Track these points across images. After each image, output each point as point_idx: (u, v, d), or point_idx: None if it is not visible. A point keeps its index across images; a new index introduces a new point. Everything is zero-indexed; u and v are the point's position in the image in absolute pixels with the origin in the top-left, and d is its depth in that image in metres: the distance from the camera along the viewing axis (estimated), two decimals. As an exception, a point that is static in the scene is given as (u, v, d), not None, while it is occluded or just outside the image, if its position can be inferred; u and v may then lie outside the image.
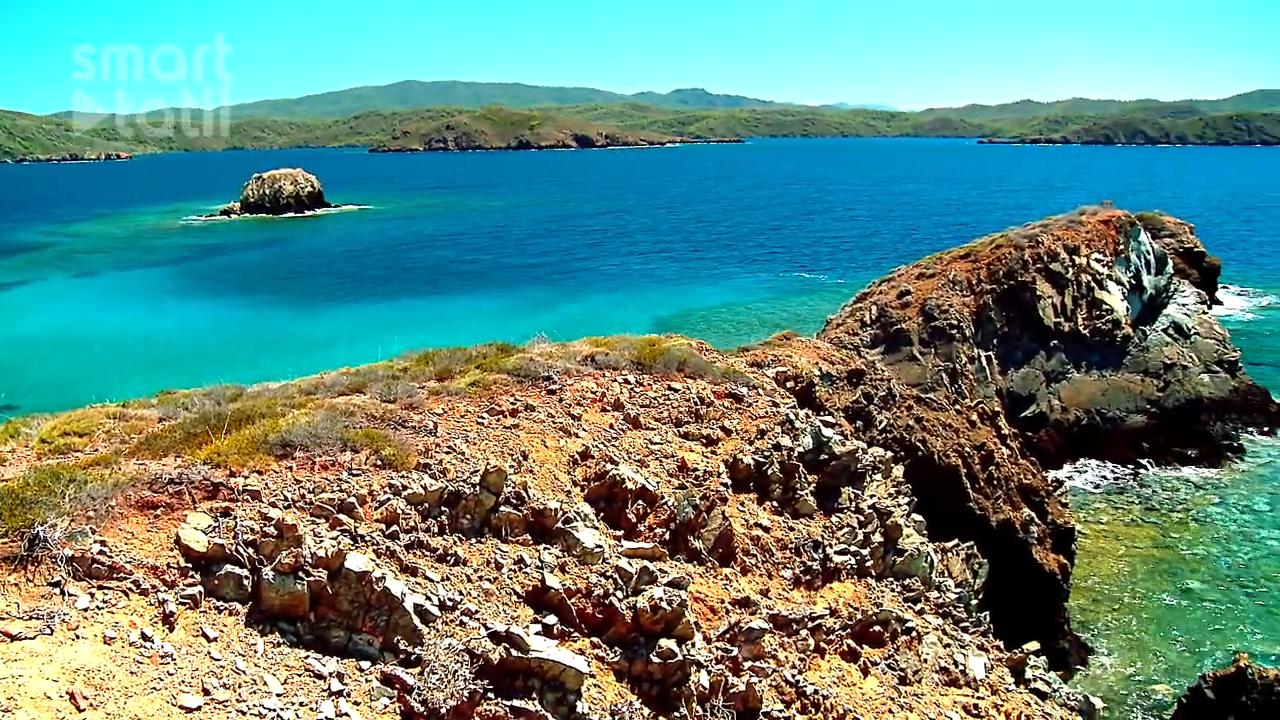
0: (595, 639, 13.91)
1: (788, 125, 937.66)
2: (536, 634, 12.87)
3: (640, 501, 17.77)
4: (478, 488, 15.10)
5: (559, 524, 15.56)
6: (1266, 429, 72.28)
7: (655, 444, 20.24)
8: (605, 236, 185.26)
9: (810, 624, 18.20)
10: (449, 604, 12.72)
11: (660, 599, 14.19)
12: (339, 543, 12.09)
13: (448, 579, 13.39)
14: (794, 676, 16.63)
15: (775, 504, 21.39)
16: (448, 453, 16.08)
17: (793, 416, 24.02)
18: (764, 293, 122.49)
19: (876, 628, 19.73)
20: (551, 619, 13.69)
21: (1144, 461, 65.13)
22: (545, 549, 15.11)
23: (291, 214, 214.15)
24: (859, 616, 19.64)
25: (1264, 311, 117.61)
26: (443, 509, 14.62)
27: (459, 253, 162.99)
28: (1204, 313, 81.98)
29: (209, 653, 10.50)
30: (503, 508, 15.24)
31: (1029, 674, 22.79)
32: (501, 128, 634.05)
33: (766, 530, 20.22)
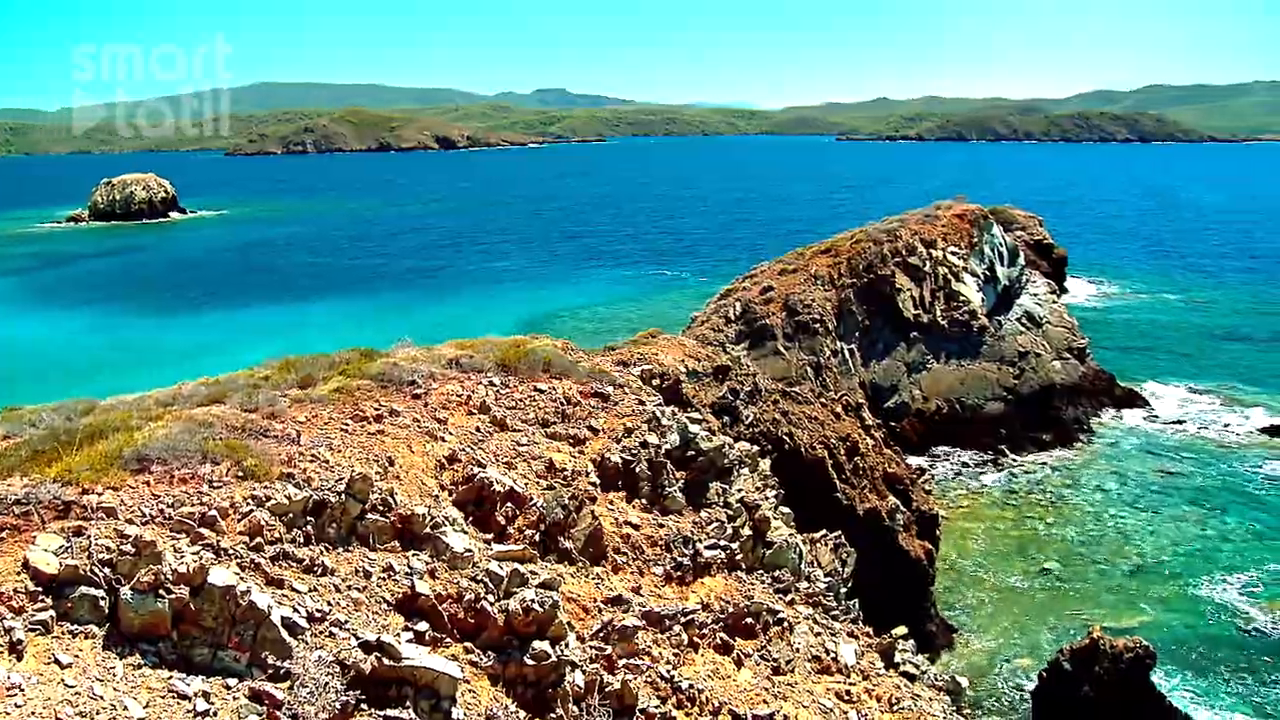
0: (468, 644, 13.81)
1: (649, 124, 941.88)
2: (408, 641, 12.74)
3: (509, 504, 17.71)
4: (344, 495, 14.88)
5: (427, 529, 15.42)
6: (1114, 412, 75.27)
7: (523, 445, 20.18)
8: (468, 238, 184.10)
9: (683, 619, 18.34)
10: (318, 615, 12.50)
11: (532, 601, 14.16)
12: (201, 558, 11.78)
13: (315, 590, 13.16)
14: (669, 672, 16.74)
15: (644, 501, 21.50)
16: (312, 461, 15.80)
17: (659, 414, 24.18)
18: (628, 291, 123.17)
19: (749, 620, 19.97)
20: (423, 626, 13.55)
21: (1002, 447, 67.20)
22: (414, 555, 14.96)
23: (144, 220, 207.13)
24: (731, 610, 19.86)
25: (1108, 299, 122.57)
26: (308, 519, 14.37)
27: (321, 257, 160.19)
28: (1054, 302, 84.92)
29: (63, 680, 10.08)
30: (370, 515, 15.05)
31: (898, 658, 23.31)
32: (362, 130, 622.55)
33: (636, 528, 20.33)
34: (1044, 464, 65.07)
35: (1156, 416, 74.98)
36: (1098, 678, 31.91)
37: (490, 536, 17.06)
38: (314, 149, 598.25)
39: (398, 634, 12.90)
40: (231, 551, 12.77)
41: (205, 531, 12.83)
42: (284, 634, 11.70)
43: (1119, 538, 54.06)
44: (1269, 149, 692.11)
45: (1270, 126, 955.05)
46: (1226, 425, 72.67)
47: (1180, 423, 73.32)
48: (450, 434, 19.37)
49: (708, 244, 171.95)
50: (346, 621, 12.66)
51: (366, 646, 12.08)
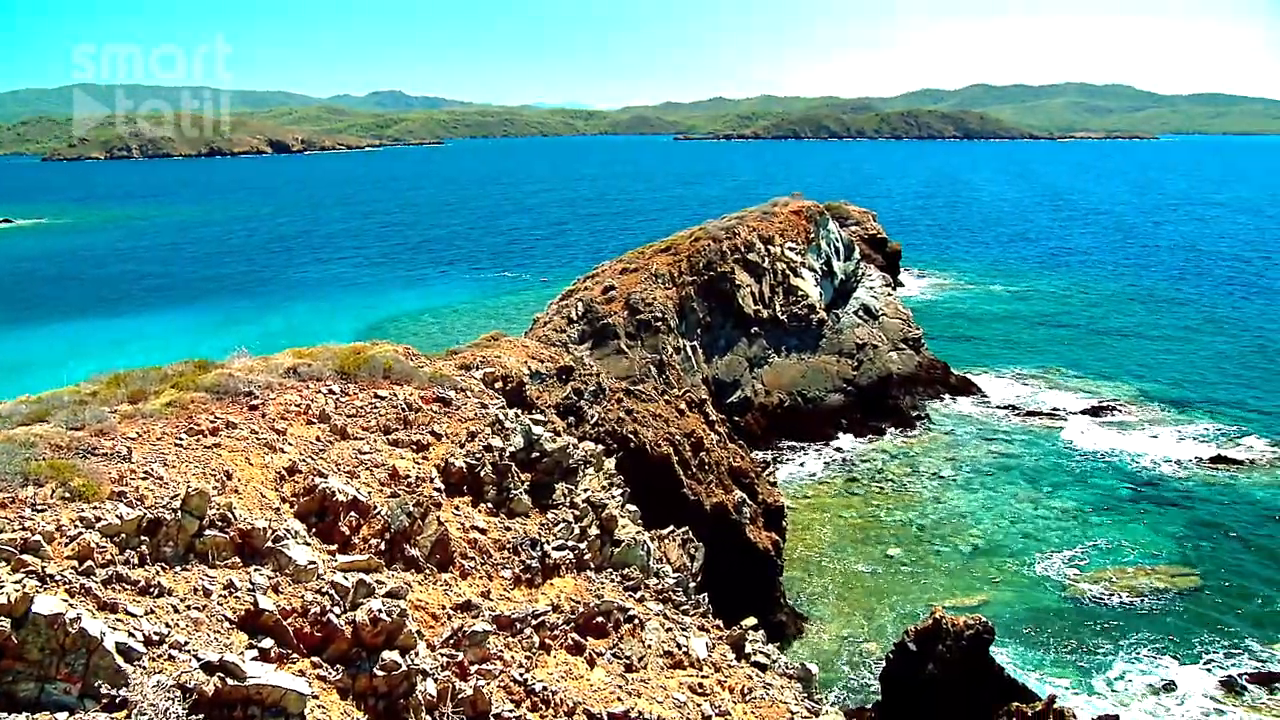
0: (316, 658, 13.53)
1: (488, 126, 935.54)
2: (253, 659, 12.40)
3: (353, 513, 17.41)
4: (180, 513, 14.41)
5: (269, 543, 15.05)
6: (949, 399, 77.83)
7: (365, 453, 19.86)
8: (305, 244, 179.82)
9: (534, 621, 18.29)
10: (155, 638, 12.06)
11: (380, 611, 13.94)
12: (24, 586, 11.25)
13: (152, 612, 12.70)
14: (522, 675, 16.68)
15: (490, 505, 21.38)
16: (144, 478, 15.26)
17: (502, 417, 24.07)
18: (470, 294, 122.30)
19: (600, 619, 20.02)
20: (268, 642, 13.22)
21: (844, 437, 68.83)
22: (256, 570, 14.58)
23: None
24: (582, 610, 19.88)
25: (940, 291, 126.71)
26: (142, 538, 13.87)
27: (149, 266, 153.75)
28: (889, 295, 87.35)
29: None
30: (208, 531, 14.61)
31: (749, 648, 23.64)
32: (190, 134, 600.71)
33: (483, 532, 20.19)
34: (884, 452, 66.89)
35: (988, 402, 77.82)
36: (941, 656, 32.97)
37: (335, 547, 16.74)
38: (140, 154, 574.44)
39: (241, 652, 12.54)
40: (59, 577, 12.23)
41: (28, 558, 12.25)
42: (119, 660, 11.26)
43: (957, 520, 55.98)
44: (1081, 146, 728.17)
45: (1080, 125, 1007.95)
46: (1054, 408, 75.90)
47: (1010, 407, 76.29)
48: (290, 444, 18.94)
49: (547, 244, 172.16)
50: (187, 643, 12.26)
51: (209, 667, 11.71)
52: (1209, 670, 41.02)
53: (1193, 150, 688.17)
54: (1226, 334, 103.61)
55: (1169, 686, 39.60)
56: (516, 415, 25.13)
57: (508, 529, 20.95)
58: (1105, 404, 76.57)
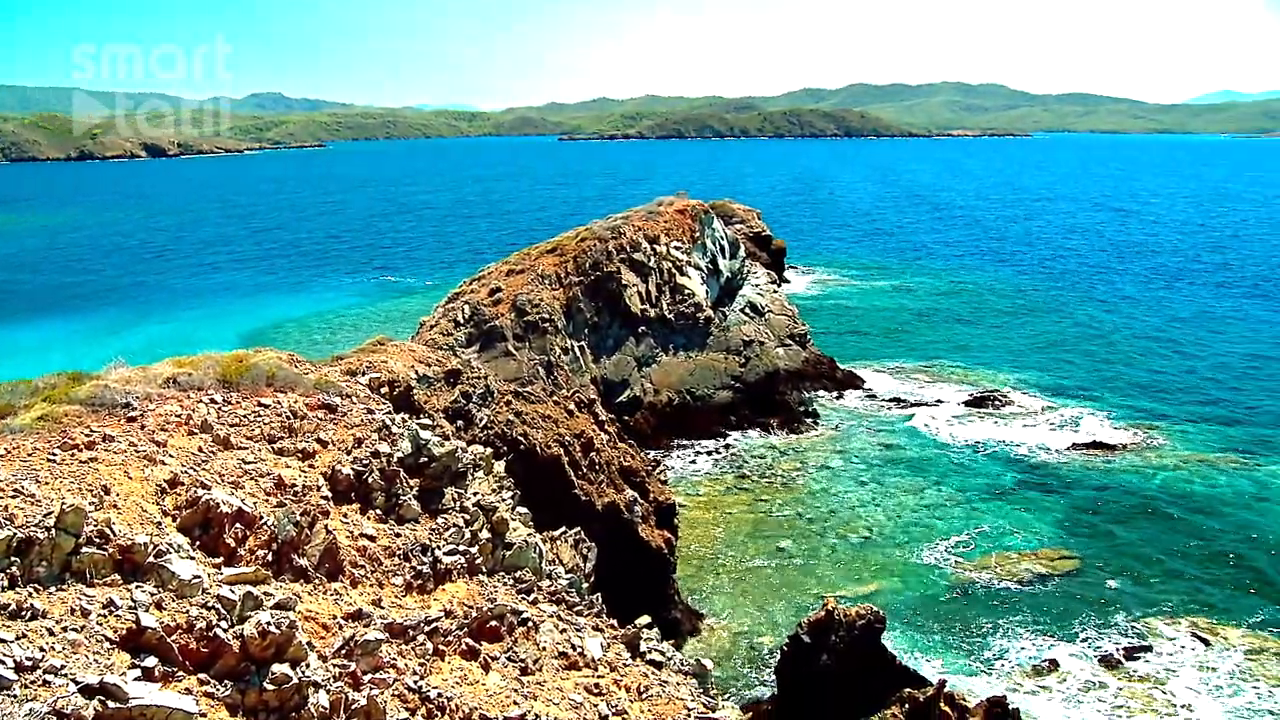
0: (202, 675, 13.18)
1: (370, 128, 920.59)
2: (136, 680, 12.03)
3: (238, 525, 17.02)
4: (53, 530, 13.90)
5: (151, 559, 14.62)
6: (835, 394, 78.98)
7: (249, 463, 19.42)
8: (183, 250, 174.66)
9: (427, 628, 18.09)
10: (28, 664, 11.61)
11: (268, 623, 13.65)
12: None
13: (25, 636, 12.22)
14: (416, 683, 16.48)
15: (380, 512, 21.09)
16: (14, 496, 14.68)
17: (389, 422, 23.76)
18: (354, 298, 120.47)
19: (493, 623, 19.88)
20: (151, 661, 12.83)
21: (733, 433, 69.39)
22: (138, 587, 14.14)
23: None
24: (475, 614, 19.72)
25: (824, 287, 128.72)
26: (13, 559, 13.35)
27: (16, 275, 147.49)
28: (775, 291, 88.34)
29: None
30: (85, 549, 14.12)
31: (644, 647, 23.67)
32: (59, 137, 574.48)
33: (373, 539, 19.91)
34: (773, 447, 67.61)
35: (874, 395, 79.20)
36: (834, 646, 33.40)
37: (220, 560, 16.33)
38: (3, 158, 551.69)
39: (123, 673, 12.16)
40: (-78, 605, 11.73)
41: (-111, 585, 11.73)
42: (-9, 686, 10.84)
43: (847, 512, 56.83)
44: (958, 143, 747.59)
45: (957, 123, 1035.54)
46: (937, 400, 77.54)
47: (896, 400, 77.75)
48: (171, 456, 18.42)
49: (431, 247, 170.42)
50: (64, 666, 11.83)
51: (88, 691, 11.33)
52: (1089, 647, 42.43)
53: (1062, 148, 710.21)
54: (1096, 323, 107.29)
55: (1052, 664, 40.85)
56: (404, 420, 24.82)
57: (398, 535, 20.68)
58: (986, 394, 78.45)
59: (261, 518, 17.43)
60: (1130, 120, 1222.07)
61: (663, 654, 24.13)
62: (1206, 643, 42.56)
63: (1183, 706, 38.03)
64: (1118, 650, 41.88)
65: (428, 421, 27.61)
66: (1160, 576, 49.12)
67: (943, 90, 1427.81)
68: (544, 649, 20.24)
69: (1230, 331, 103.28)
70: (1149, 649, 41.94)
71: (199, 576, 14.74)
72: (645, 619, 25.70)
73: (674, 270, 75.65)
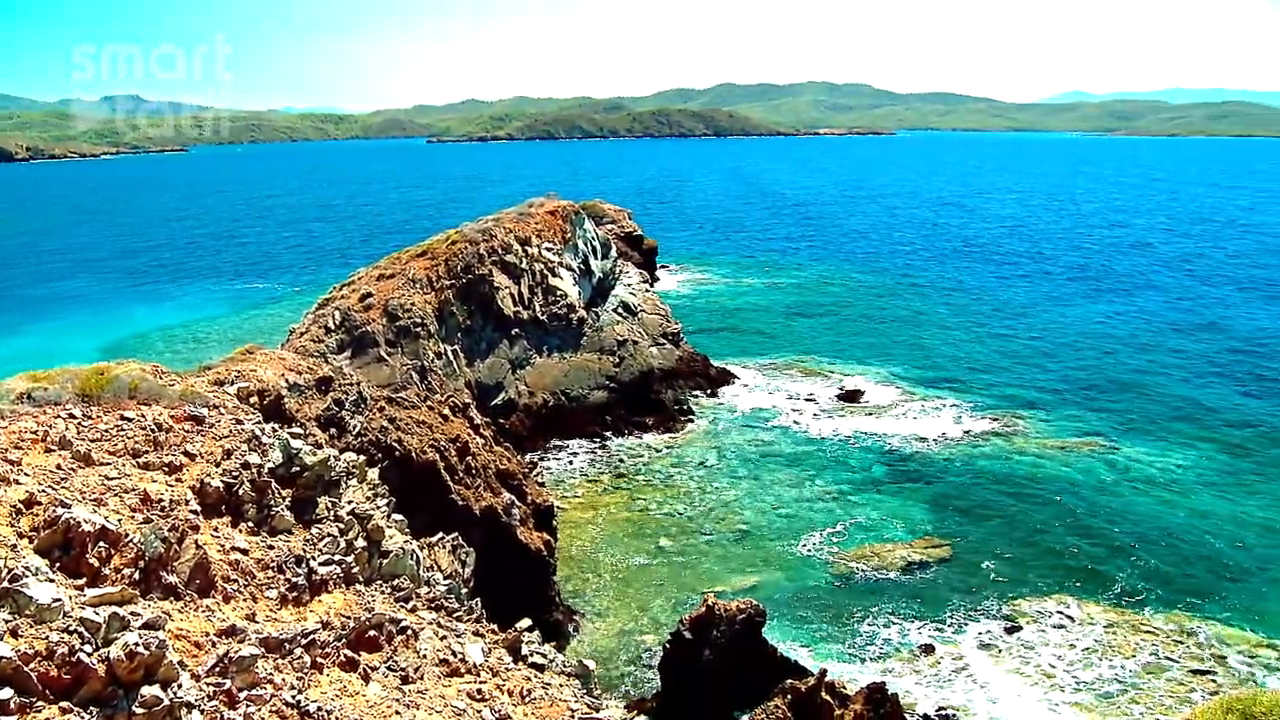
0: (65, 703, 12.66)
1: (234, 131, 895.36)
2: (-9, 711, 11.53)
3: (102, 543, 16.42)
4: (-99, 557, 13.26)
5: (6, 583, 14.02)
6: (709, 391, 79.65)
7: (112, 479, 18.76)
8: (34, 259, 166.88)
9: (304, 641, 17.70)
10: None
11: (136, 644, 13.18)
12: None
13: None
14: (294, 697, 16.10)
15: (252, 524, 20.58)
16: None
17: (259, 432, 23.22)
18: (222, 307, 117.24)
19: (372, 633, 19.55)
20: (6, 692, 12.28)
21: (609, 434, 69.48)
22: (-8, 614, 13.55)
23: None
24: (353, 624, 19.37)
25: (695, 286, 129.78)
26: None
27: None
28: (647, 291, 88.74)
29: None
30: (-66, 576, 13.49)
31: (525, 650, 23.54)
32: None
33: (245, 552, 19.41)
34: (650, 446, 67.90)
35: (749, 391, 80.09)
36: (716, 641, 33.73)
37: (83, 581, 15.73)
38: None
39: (-22, 704, 11.64)
40: None
41: None
42: None
43: (724, 508, 57.35)
44: (824, 142, 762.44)
45: (824, 122, 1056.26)
46: (809, 395, 78.73)
47: (770, 395, 78.72)
48: (26, 475, 17.69)
49: (299, 253, 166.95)
50: (-87, 699, 11.28)
51: (-60, 724, 10.82)
52: (962, 629, 43.75)
53: (923, 146, 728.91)
54: (960, 315, 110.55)
55: (928, 649, 41.93)
56: (274, 430, 24.29)
57: (271, 548, 20.20)
58: (859, 388, 79.94)
59: (127, 535, 16.86)
60: (989, 119, 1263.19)
61: (545, 656, 24.03)
62: (1071, 619, 44.33)
63: (1051, 681, 39.43)
64: (989, 631, 43.25)
65: (299, 430, 27.06)
66: (1027, 558, 50.85)
67: (809, 90, 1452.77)
68: (424, 657, 19.98)
69: (1082, 321, 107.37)
70: (1019, 629, 43.37)
71: (59, 599, 14.17)
72: (526, 622, 25.56)
73: (546, 271, 75.47)
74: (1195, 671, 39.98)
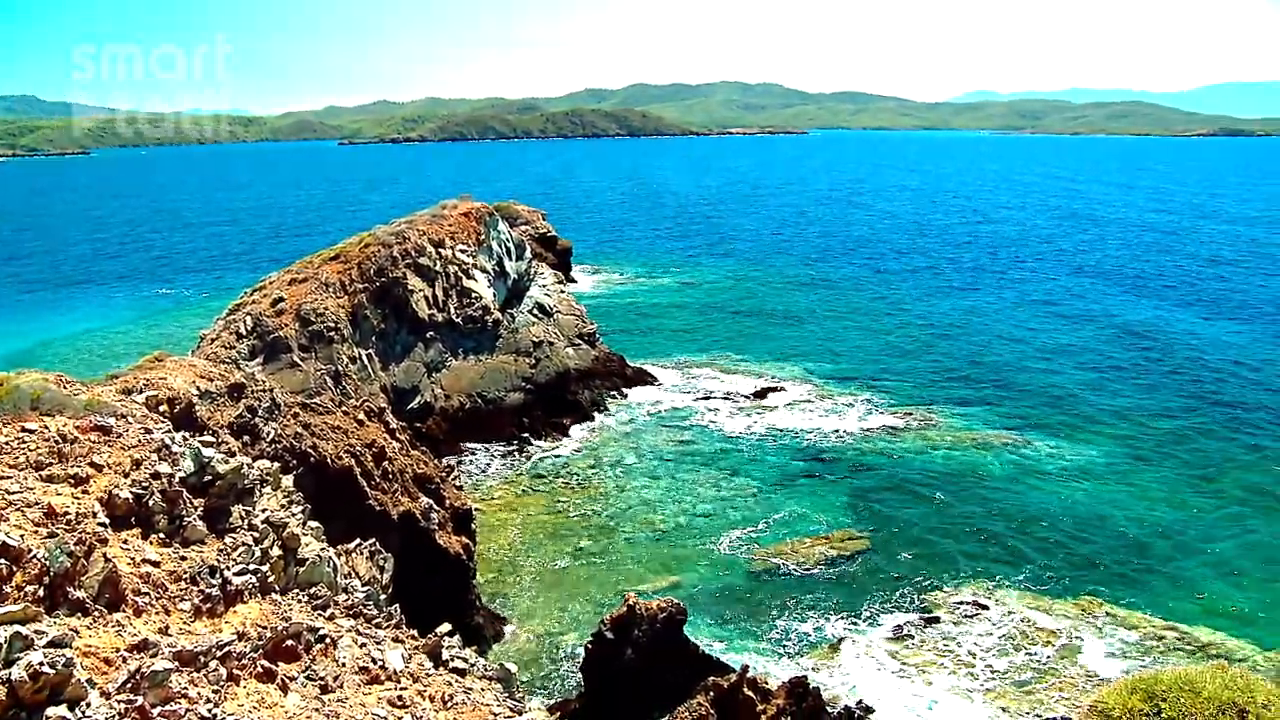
0: (-34, 726, 12.29)
1: (139, 134, 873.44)
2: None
3: (3, 560, 15.96)
4: None
5: (-97, 603, 13.56)
6: (627, 391, 79.73)
7: (14, 493, 18.24)
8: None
9: (219, 653, 17.36)
10: None
11: (41, 664, 12.82)
12: None
13: None
14: (210, 710, 15.78)
15: (163, 535, 20.13)
16: None
17: (169, 441, 22.73)
18: (128, 314, 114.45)
19: (289, 642, 19.24)
20: (-96, 716, 11.89)
21: (527, 435, 69.19)
22: (-113, 637, 13.08)
23: None
24: (269, 635, 19.04)
25: (610, 286, 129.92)
26: None
27: None
28: (562, 292, 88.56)
29: None
30: None
31: (446, 655, 23.34)
32: None
33: (157, 565, 18.98)
34: (567, 447, 67.77)
35: (665, 390, 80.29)
36: (638, 641, 33.72)
37: (-16, 600, 15.27)
38: None
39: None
40: None
41: None
42: None
43: (643, 508, 57.42)
44: (737, 141, 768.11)
45: (737, 121, 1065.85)
46: (726, 393, 79.19)
47: (686, 394, 79.01)
48: (-77, 491, 17.16)
49: (205, 257, 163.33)
50: None
51: None
52: (882, 621, 44.32)
53: (834, 145, 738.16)
54: (870, 312, 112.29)
55: (849, 641, 42.38)
56: (185, 438, 23.79)
57: (184, 559, 19.77)
58: (774, 385, 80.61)
59: (31, 551, 16.39)
60: (899, 117, 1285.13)
61: (466, 661, 23.85)
62: (986, 608, 45.17)
63: (968, 669, 40.09)
64: (908, 623, 43.87)
65: (211, 439, 26.54)
66: (942, 549, 51.74)
67: (722, 90, 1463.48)
68: (344, 665, 19.71)
69: (987, 316, 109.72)
70: (936, 619, 44.05)
71: (-40, 619, 13.75)
72: (446, 627, 25.35)
73: (460, 274, 74.97)
74: (1105, 655, 41.07)
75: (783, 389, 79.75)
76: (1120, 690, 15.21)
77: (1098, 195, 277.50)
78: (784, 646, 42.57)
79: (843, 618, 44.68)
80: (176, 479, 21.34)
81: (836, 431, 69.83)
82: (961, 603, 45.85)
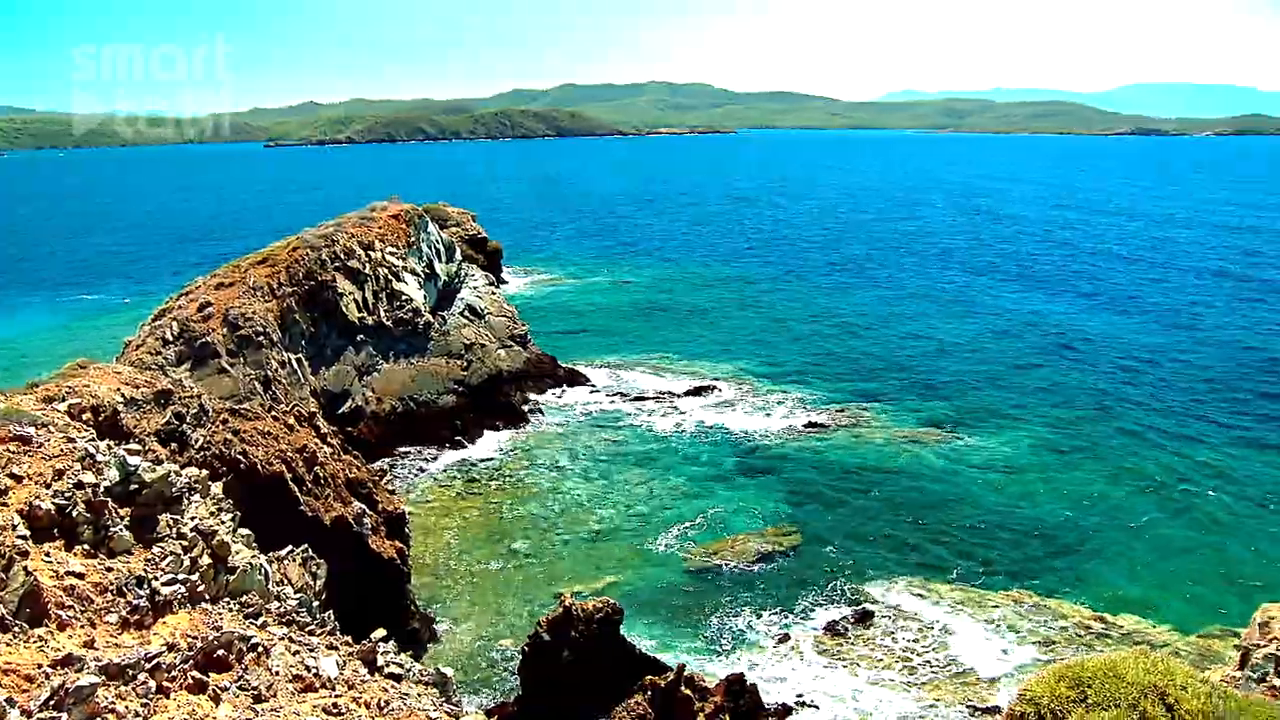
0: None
1: (55, 135, 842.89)
2: None
3: (-79, 575, 15.55)
4: None
5: None
6: (559, 392, 79.60)
7: (-69, 506, 17.80)
8: None
9: (148, 665, 17.02)
10: None
11: (-39, 680, 12.49)
12: None
13: None
14: (137, 725, 15.47)
15: (88, 547, 19.71)
16: None
17: (93, 450, 22.27)
18: (47, 321, 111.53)
19: (221, 652, 18.92)
20: None
21: (460, 438, 68.76)
22: None
23: None
24: (200, 645, 18.71)
25: (542, 287, 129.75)
26: None
27: None
28: (493, 293, 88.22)
29: None
30: None
31: (381, 661, 23.08)
32: None
33: (81, 577, 18.58)
34: (501, 449, 67.48)
35: (598, 391, 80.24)
36: (574, 642, 33.65)
37: (-101, 617, 14.86)
38: None
39: None
40: None
41: None
42: None
43: (578, 508, 57.33)
44: (665, 141, 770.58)
45: (666, 121, 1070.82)
46: (659, 392, 79.29)
47: (619, 394, 79.05)
48: None
49: (124, 261, 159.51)
50: None
51: None
52: (817, 617, 44.75)
53: (768, 144, 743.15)
54: (799, 310, 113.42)
55: (784, 638, 42.75)
56: (109, 447, 23.33)
57: (110, 570, 19.37)
58: (706, 384, 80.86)
59: (-52, 564, 15.99)
60: (828, 117, 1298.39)
61: (401, 666, 23.62)
62: (920, 600, 45.80)
63: (904, 663, 40.52)
64: (843, 619, 44.21)
65: (137, 447, 26.04)
66: (875, 544, 52.33)
67: (650, 90, 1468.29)
68: (277, 673, 19.42)
69: (914, 313, 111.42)
70: (870, 614, 44.44)
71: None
72: (380, 632, 25.09)
73: (390, 276, 74.35)
74: (1035, 643, 41.79)
75: (715, 388, 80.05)
76: (1048, 679, 15.77)
77: (1018, 194, 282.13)
78: (721, 644, 42.73)
79: (779, 613, 44.97)
80: (101, 488, 20.92)
81: (769, 429, 70.27)
82: (896, 596, 46.39)
